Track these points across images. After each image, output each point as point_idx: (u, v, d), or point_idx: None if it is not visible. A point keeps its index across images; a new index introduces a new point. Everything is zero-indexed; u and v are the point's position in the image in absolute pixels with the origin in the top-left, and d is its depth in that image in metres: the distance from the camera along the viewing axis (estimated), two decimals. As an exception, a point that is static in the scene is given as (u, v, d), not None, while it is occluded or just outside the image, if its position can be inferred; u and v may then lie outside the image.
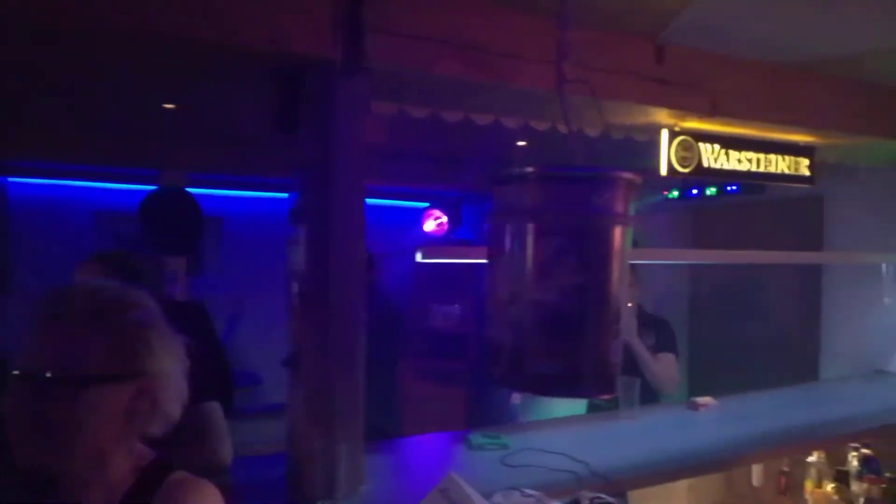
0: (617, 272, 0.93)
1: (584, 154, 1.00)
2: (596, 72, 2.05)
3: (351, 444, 1.58)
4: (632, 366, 3.03)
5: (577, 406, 3.02)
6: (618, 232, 0.94)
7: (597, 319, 0.92)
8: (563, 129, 2.48)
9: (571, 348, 0.90)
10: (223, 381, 2.22)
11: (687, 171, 2.36)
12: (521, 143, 3.24)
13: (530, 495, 1.57)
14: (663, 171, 2.33)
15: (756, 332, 4.73)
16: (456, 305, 5.98)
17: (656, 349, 3.21)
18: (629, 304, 3.18)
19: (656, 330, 3.32)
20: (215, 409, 1.77)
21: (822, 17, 2.02)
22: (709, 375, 5.01)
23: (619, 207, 0.94)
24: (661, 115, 2.27)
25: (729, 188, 4.22)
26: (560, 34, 1.12)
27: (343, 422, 1.57)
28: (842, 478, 2.47)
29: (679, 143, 2.33)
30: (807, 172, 2.73)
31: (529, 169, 0.94)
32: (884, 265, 3.46)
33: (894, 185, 3.73)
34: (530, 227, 0.92)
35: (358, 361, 1.61)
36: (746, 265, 4.59)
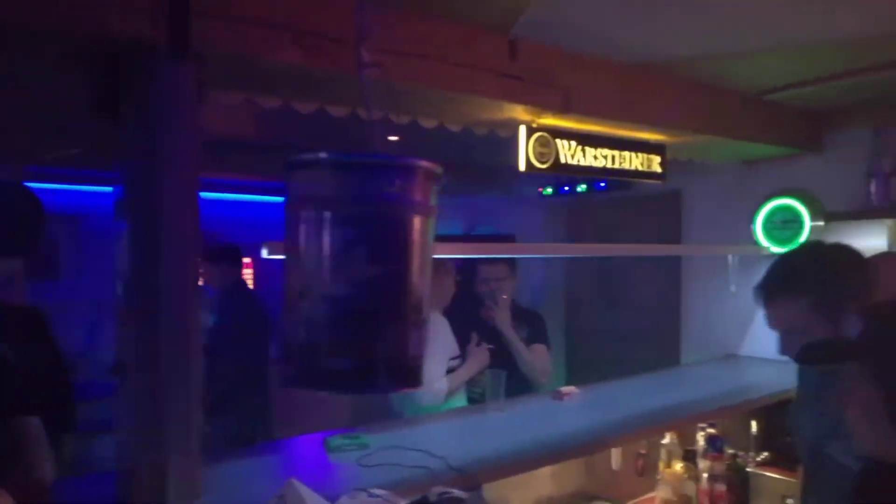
0: (417, 262, 0.91)
1: (383, 141, 0.97)
2: (450, 65, 2.06)
3: (183, 457, 1.47)
4: (502, 358, 3.11)
5: (457, 400, 3.05)
6: (416, 221, 0.92)
7: (392, 312, 0.89)
8: (428, 124, 2.47)
9: (365, 343, 0.87)
10: (60, 393, 2.04)
11: (545, 166, 2.42)
12: (393, 138, 3.19)
13: (377, 495, 1.54)
14: (521, 166, 2.37)
15: (626, 321, 4.98)
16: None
17: (529, 341, 3.31)
18: (504, 297, 3.25)
19: (529, 322, 3.41)
20: (31, 423, 1.60)
21: (665, 21, 2.12)
22: (585, 365, 5.22)
23: (416, 196, 0.91)
24: (519, 112, 2.30)
25: (598, 185, 4.40)
26: (358, 16, 1.08)
27: (174, 433, 1.47)
28: (689, 457, 2.63)
29: (536, 140, 2.38)
30: (659, 169, 2.88)
31: (321, 155, 0.90)
32: (730, 256, 3.72)
33: (741, 181, 4.02)
34: (321, 215, 0.87)
35: (192, 368, 1.51)
36: (616, 258, 4.82)
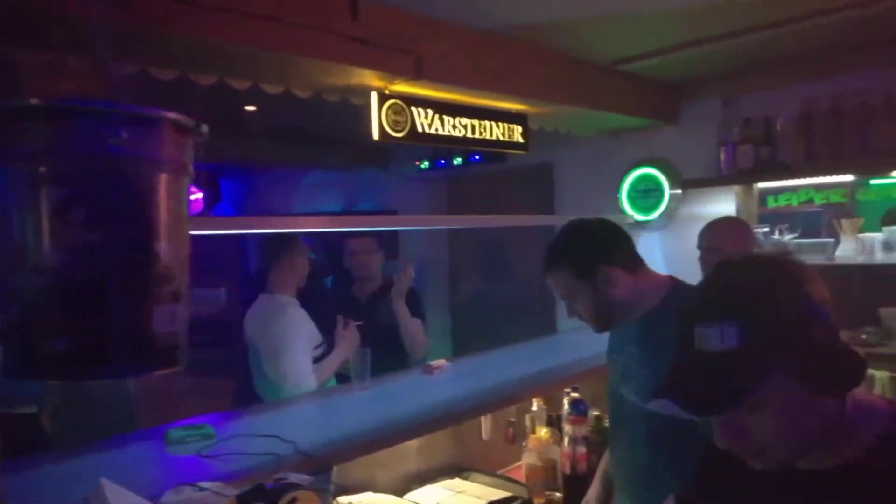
0: (164, 227, 0.79)
1: (128, 92, 0.85)
2: (292, 27, 1.93)
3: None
4: (376, 335, 3.05)
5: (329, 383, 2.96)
6: (161, 180, 0.80)
7: (127, 284, 0.77)
8: (272, 89, 2.32)
9: (91, 320, 0.75)
10: None
11: (400, 135, 2.34)
12: (250, 108, 3.00)
13: (205, 489, 1.43)
14: (375, 135, 2.28)
15: (507, 293, 5.05)
16: (222, 289, 5.59)
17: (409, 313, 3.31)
18: (410, 273, 3.20)
19: (406, 297, 3.38)
20: None
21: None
22: (469, 336, 5.26)
23: (159, 152, 0.80)
24: (369, 77, 2.21)
25: (473, 158, 4.39)
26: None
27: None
28: (554, 422, 2.67)
29: (390, 107, 2.29)
30: (521, 139, 2.88)
31: (27, 101, 0.76)
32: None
33: (608, 151, 4.14)
34: (32, 173, 0.74)
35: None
36: (496, 231, 4.87)
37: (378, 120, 2.26)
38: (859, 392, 0.90)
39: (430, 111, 2.42)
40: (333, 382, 2.97)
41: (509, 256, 5.03)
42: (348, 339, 2.91)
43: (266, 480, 1.52)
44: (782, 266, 0.89)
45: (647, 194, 3.93)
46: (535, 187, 4.60)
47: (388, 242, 5.38)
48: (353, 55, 2.03)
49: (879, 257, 3.18)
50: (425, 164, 4.68)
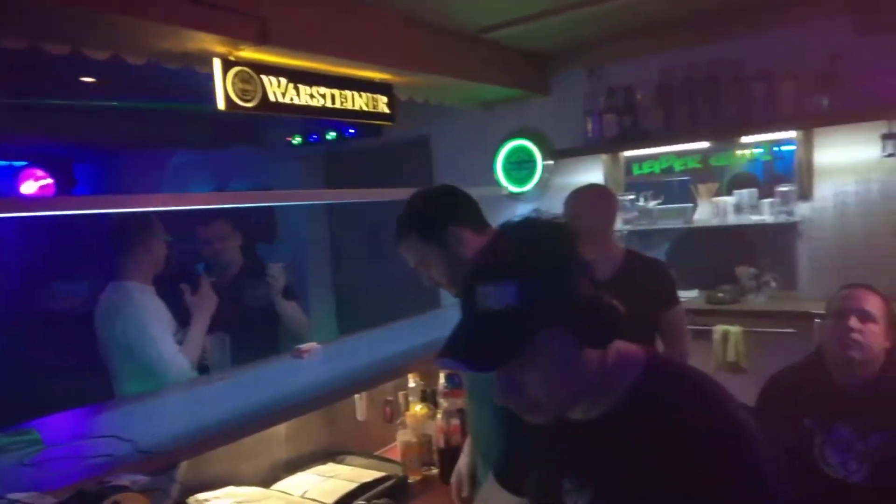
0: None
1: None
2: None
3: None
4: (240, 317, 2.91)
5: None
6: None
7: None
8: (98, 55, 2.10)
9: None
10: None
11: (250, 105, 2.19)
12: (88, 80, 2.73)
13: (15, 500, 1.26)
14: (221, 104, 2.12)
15: (390, 270, 4.97)
16: (83, 282, 5.15)
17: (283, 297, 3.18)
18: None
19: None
20: None
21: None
22: (354, 316, 5.17)
23: None
24: (210, 42, 2.04)
25: (347, 132, 4.26)
26: None
27: None
28: (429, 397, 2.64)
29: (237, 75, 2.13)
30: (387, 109, 2.79)
31: None
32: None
33: (482, 124, 4.14)
34: None
35: None
36: (376, 208, 4.76)
37: (223, 88, 2.09)
38: (621, 343, 0.95)
39: (282, 80, 2.27)
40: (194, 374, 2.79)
41: (390, 233, 4.95)
42: (205, 299, 2.70)
43: (96, 485, 1.37)
44: (554, 228, 0.93)
45: (520, 166, 3.97)
46: (414, 161, 4.54)
47: (266, 223, 5.16)
48: (189, 17, 1.86)
49: (731, 219, 3.38)
50: (297, 140, 4.49)
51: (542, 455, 1.05)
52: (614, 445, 0.93)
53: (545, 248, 0.90)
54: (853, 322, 1.96)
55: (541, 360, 0.88)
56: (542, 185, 3.96)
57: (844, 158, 3.14)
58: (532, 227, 0.94)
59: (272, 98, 2.24)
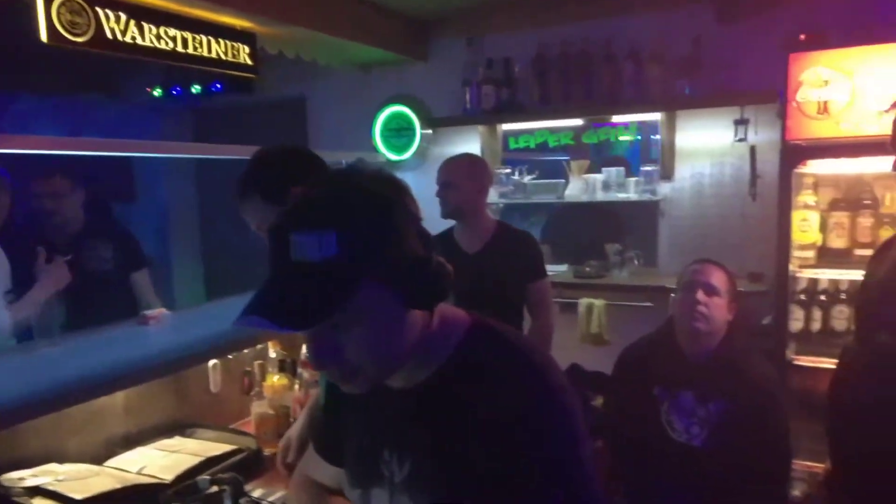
0: None
1: None
2: None
3: None
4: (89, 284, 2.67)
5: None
6: None
7: None
8: None
9: None
10: None
11: (81, 39, 1.93)
12: None
13: None
14: (44, 36, 1.85)
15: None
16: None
17: (130, 268, 2.99)
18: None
19: (122, 244, 3.00)
20: None
21: None
22: (223, 283, 4.91)
23: None
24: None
25: (214, 86, 3.96)
26: None
27: None
28: (288, 367, 2.52)
29: (63, 4, 1.87)
30: (249, 61, 2.59)
31: None
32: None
33: (360, 87, 3.99)
34: None
35: None
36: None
37: (46, 17, 1.83)
38: (445, 306, 0.90)
39: (122, 15, 2.03)
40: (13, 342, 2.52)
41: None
42: (54, 274, 2.53)
43: None
44: (380, 179, 0.85)
45: (399, 133, 3.87)
46: (289, 122, 4.32)
47: (123, 183, 4.74)
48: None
49: (600, 196, 3.47)
50: (158, 92, 4.13)
51: (361, 424, 0.99)
52: (434, 415, 0.88)
53: (369, 197, 0.82)
54: (700, 295, 2.05)
55: (361, 321, 0.81)
56: (421, 153, 3.89)
57: (702, 142, 3.30)
58: (356, 175, 0.85)
59: (108, 34, 1.99)
